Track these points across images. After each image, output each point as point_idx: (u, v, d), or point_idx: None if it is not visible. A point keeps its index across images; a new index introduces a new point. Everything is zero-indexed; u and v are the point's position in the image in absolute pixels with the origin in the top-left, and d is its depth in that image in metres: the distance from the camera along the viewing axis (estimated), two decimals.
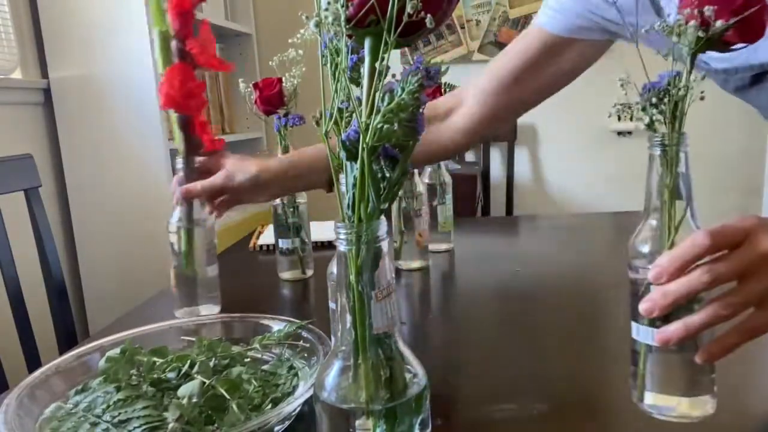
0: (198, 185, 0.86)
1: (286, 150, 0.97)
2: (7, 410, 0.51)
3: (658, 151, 0.45)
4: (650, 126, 0.45)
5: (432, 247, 1.11)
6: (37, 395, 0.55)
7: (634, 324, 0.47)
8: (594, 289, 0.90)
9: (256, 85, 0.92)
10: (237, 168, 0.86)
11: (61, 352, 0.98)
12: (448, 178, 1.09)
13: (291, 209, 0.98)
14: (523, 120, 2.17)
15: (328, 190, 0.87)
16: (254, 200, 0.90)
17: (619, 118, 0.46)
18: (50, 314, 1.12)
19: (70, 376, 0.60)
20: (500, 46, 2.21)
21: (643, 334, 0.46)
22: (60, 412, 0.54)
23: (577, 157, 2.32)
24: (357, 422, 0.37)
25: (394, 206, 0.98)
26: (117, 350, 0.59)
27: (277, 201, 0.98)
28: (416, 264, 1.00)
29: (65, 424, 0.51)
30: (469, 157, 2.32)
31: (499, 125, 0.97)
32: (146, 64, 1.59)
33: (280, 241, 1.00)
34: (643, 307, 0.44)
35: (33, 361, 1.06)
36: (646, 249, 0.46)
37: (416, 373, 0.38)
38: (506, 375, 0.63)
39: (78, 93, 1.63)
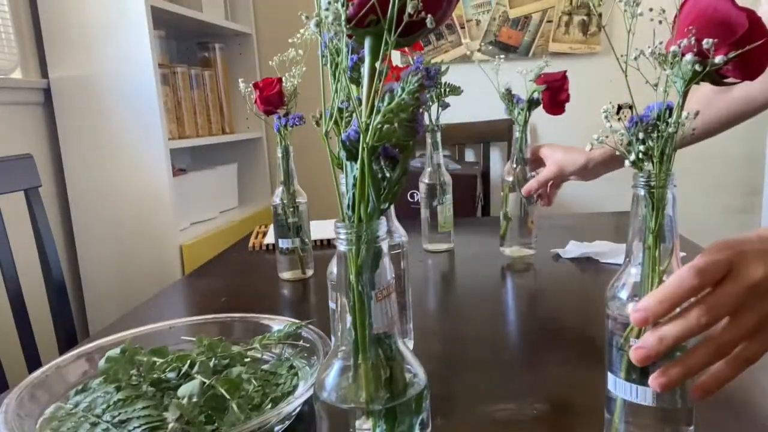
0: (534, 183, 0.99)
1: (286, 150, 0.97)
2: (7, 410, 0.51)
3: (642, 192, 0.41)
4: (636, 164, 0.41)
5: (432, 247, 1.11)
6: (37, 395, 0.55)
7: (610, 376, 0.44)
8: (594, 288, 0.90)
9: (256, 85, 0.93)
10: (567, 160, 1.01)
11: (61, 352, 0.98)
12: (447, 178, 1.09)
13: (291, 209, 0.98)
14: None
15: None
16: (581, 181, 1.07)
17: (620, 119, 0.45)
18: (50, 314, 1.12)
19: (70, 376, 0.60)
20: (500, 46, 2.21)
21: (621, 388, 0.43)
22: (60, 412, 0.54)
23: None
24: (357, 422, 0.37)
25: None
26: (117, 350, 0.59)
27: (277, 201, 0.98)
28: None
29: (65, 424, 0.51)
30: (469, 157, 2.32)
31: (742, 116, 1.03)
32: (146, 64, 1.59)
33: (280, 241, 1.00)
34: (636, 354, 0.39)
35: (33, 361, 1.06)
36: (626, 296, 0.43)
37: (416, 373, 0.38)
38: (506, 375, 0.63)
39: (78, 93, 1.63)
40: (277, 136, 0.96)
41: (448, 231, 1.12)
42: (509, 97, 1.03)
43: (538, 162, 1.06)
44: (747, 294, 0.39)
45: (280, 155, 0.97)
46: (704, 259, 0.39)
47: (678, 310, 0.39)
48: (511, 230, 1.04)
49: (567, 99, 0.95)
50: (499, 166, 2.30)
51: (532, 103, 0.98)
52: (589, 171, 1.04)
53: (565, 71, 0.96)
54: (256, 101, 0.93)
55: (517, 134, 1.01)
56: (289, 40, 0.71)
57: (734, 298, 0.39)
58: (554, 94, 0.95)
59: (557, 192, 1.10)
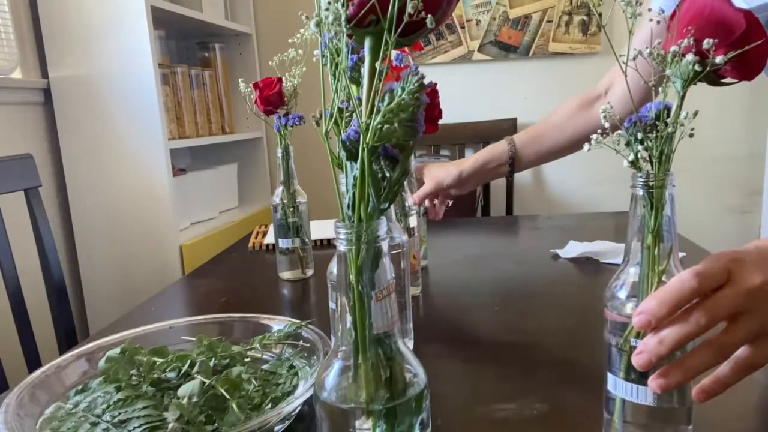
0: (415, 197, 1.00)
1: (286, 150, 0.97)
2: (7, 410, 0.51)
3: (641, 192, 0.41)
4: (634, 164, 0.41)
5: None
6: (37, 395, 0.55)
7: (610, 376, 0.44)
8: (594, 288, 0.90)
9: (256, 85, 0.92)
10: (442, 174, 1.06)
11: (61, 352, 0.99)
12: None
13: (291, 209, 0.98)
14: (523, 120, 2.17)
15: (507, 175, 1.10)
16: (460, 193, 1.12)
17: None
18: (50, 314, 1.13)
19: (70, 376, 0.60)
20: (500, 46, 2.21)
21: (620, 388, 0.43)
22: (60, 412, 0.54)
23: (577, 157, 2.32)
24: (357, 422, 0.37)
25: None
26: (117, 350, 0.59)
27: (277, 200, 0.98)
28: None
29: (65, 424, 0.51)
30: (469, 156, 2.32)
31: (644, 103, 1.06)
32: (146, 64, 1.59)
33: (280, 241, 1.00)
34: (638, 360, 0.39)
35: (33, 361, 1.06)
36: (625, 296, 0.43)
37: (416, 373, 0.38)
38: (506, 375, 0.63)
39: (78, 93, 1.63)
40: (277, 136, 0.96)
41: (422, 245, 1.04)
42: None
43: (422, 182, 1.12)
44: (746, 297, 0.39)
45: (280, 155, 0.97)
46: (704, 264, 0.39)
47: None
48: None
49: (439, 116, 0.85)
50: None
51: None
52: (463, 180, 1.09)
53: (435, 84, 0.88)
54: (256, 101, 0.93)
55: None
56: (289, 40, 0.71)
57: (733, 300, 0.39)
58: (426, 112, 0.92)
59: (444, 207, 1.16)
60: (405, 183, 0.92)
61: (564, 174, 2.27)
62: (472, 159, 1.11)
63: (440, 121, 1.09)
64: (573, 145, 1.11)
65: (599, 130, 0.42)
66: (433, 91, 0.87)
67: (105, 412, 0.51)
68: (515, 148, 1.08)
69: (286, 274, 1.01)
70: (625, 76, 0.40)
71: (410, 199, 0.84)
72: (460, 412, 0.56)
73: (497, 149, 1.09)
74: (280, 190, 0.99)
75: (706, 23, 0.38)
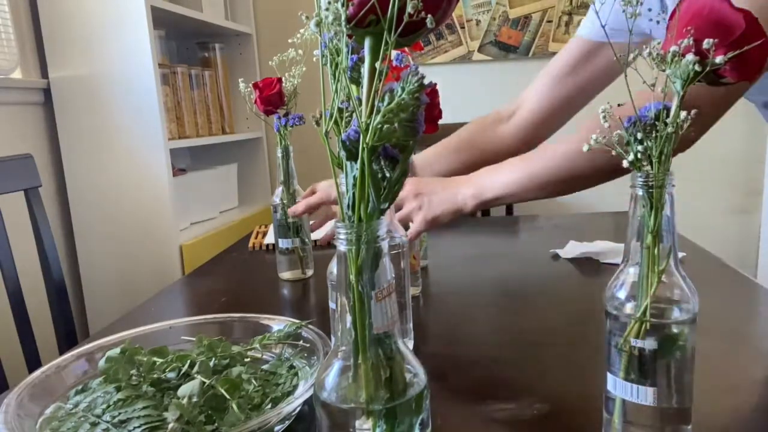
0: (300, 206, 0.97)
1: (286, 150, 0.97)
2: (7, 410, 0.51)
3: (641, 192, 0.41)
4: (634, 164, 0.41)
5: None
6: (37, 395, 0.55)
7: (610, 376, 0.44)
8: (593, 288, 0.90)
9: (255, 85, 0.92)
10: (331, 184, 1.02)
11: (61, 352, 0.99)
12: None
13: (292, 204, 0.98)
14: None
15: None
16: None
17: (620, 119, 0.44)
18: (50, 314, 1.13)
19: (70, 376, 0.60)
20: (500, 46, 2.21)
21: (620, 388, 0.43)
22: (60, 412, 0.54)
23: None
24: (357, 422, 0.37)
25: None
26: (117, 350, 0.59)
27: (277, 200, 0.98)
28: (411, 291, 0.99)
29: (65, 424, 0.51)
30: None
31: (554, 124, 1.11)
32: (146, 64, 1.59)
33: (280, 241, 1.00)
34: None
35: (33, 361, 1.06)
36: (625, 296, 0.43)
37: (416, 373, 0.38)
38: (506, 375, 0.63)
39: (78, 93, 1.63)
40: (277, 136, 0.96)
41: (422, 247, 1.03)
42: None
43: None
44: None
45: (280, 155, 0.97)
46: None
47: None
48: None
49: (439, 116, 0.85)
50: None
51: None
52: None
53: (435, 84, 0.87)
54: (256, 101, 0.93)
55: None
56: (289, 41, 0.71)
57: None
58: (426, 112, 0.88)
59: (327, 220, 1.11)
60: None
61: None
62: (469, 188, 1.00)
63: (440, 121, 1.09)
64: (476, 164, 1.06)
65: (593, 136, 0.42)
66: (433, 91, 0.86)
67: (105, 412, 0.51)
68: (413, 170, 1.07)
69: (286, 275, 1.01)
70: (625, 77, 0.40)
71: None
72: (460, 412, 0.56)
73: None
74: (280, 190, 0.99)
75: (706, 23, 0.38)
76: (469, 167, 1.09)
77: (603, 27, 0.46)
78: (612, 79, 1.03)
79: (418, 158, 1.11)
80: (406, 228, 0.84)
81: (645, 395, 0.42)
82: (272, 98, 0.92)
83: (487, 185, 0.86)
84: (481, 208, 0.88)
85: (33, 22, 1.65)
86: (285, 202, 0.98)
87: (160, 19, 1.73)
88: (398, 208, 0.85)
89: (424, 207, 0.85)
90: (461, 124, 2.30)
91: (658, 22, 0.77)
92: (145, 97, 1.60)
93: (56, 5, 1.61)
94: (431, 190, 0.87)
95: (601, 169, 0.78)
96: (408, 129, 0.34)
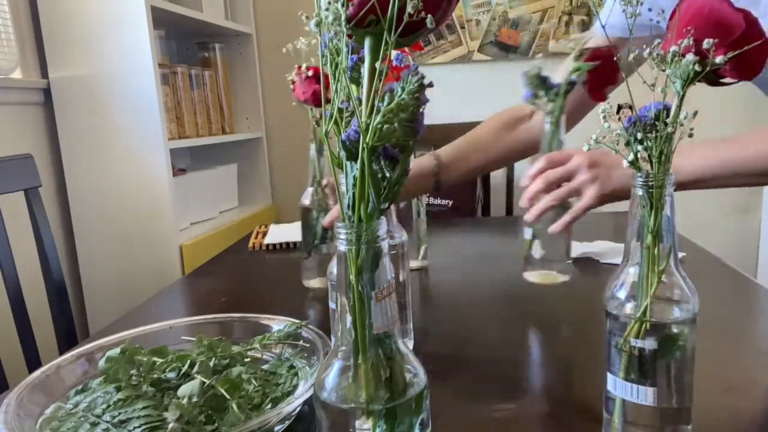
0: (328, 218, 0.89)
1: (320, 146, 0.87)
2: (7, 410, 0.51)
3: (640, 192, 0.41)
4: (634, 164, 0.41)
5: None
6: (37, 395, 0.55)
7: (610, 376, 0.44)
8: (594, 288, 0.90)
9: (300, 69, 0.80)
10: None
11: (61, 352, 0.98)
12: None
13: (323, 212, 0.90)
14: None
15: (432, 192, 1.05)
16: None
17: (620, 119, 0.44)
18: (50, 314, 1.12)
19: (70, 376, 0.60)
20: (500, 46, 2.21)
21: (620, 388, 0.43)
22: (60, 412, 0.54)
23: None
24: (357, 422, 0.37)
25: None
26: (117, 350, 0.59)
27: (307, 202, 0.90)
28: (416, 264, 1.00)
29: (65, 424, 0.51)
30: None
31: (575, 120, 1.04)
32: (146, 64, 1.59)
33: (308, 245, 0.91)
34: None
35: (33, 361, 1.06)
36: (625, 296, 0.43)
37: (416, 373, 0.38)
38: (506, 375, 0.63)
39: (78, 93, 1.63)
40: (313, 129, 0.85)
41: (423, 245, 1.03)
42: (538, 80, 0.82)
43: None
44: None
45: (312, 152, 0.87)
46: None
47: None
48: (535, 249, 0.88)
49: (615, 80, 0.78)
50: None
51: (570, 87, 0.80)
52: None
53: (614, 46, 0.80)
54: (296, 90, 0.81)
55: (547, 127, 0.82)
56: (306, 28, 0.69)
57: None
58: (602, 74, 0.78)
59: None
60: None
61: None
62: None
63: (440, 122, 1.08)
64: (498, 164, 1.13)
65: (593, 137, 0.42)
66: (608, 55, 0.78)
67: (105, 412, 0.51)
68: (440, 165, 1.02)
69: (314, 282, 0.93)
70: (626, 77, 0.40)
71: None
72: (460, 412, 0.56)
73: (423, 168, 1.01)
74: (310, 190, 0.90)
75: (706, 23, 0.38)
76: (494, 165, 1.12)
77: (603, 27, 0.46)
78: (628, 75, 1.05)
79: (446, 151, 1.06)
80: (564, 206, 0.78)
81: (645, 395, 0.42)
82: (318, 88, 0.80)
83: (677, 167, 0.75)
84: None
85: (33, 22, 1.65)
86: (319, 203, 0.89)
87: (160, 19, 1.73)
88: (563, 179, 0.78)
89: (601, 179, 0.76)
90: (461, 124, 2.30)
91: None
92: (145, 97, 1.60)
93: (56, 5, 1.61)
94: (611, 162, 0.78)
95: None
96: (408, 129, 0.34)
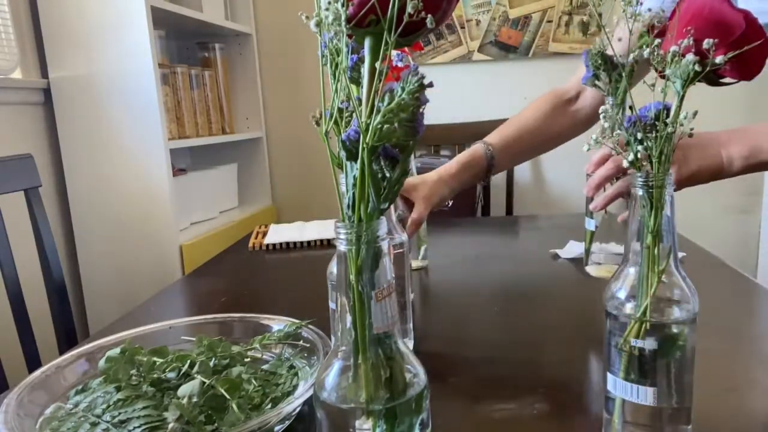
0: (412, 225, 0.89)
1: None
2: (7, 410, 0.51)
3: (641, 192, 0.41)
4: (634, 164, 0.41)
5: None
6: (37, 395, 0.55)
7: (610, 376, 0.44)
8: (593, 288, 0.90)
9: None
10: (432, 192, 0.95)
11: (61, 352, 0.98)
12: None
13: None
14: None
15: (482, 180, 1.05)
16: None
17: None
18: (50, 314, 1.12)
19: (70, 376, 0.60)
20: (500, 46, 2.21)
21: (620, 388, 0.43)
22: (60, 412, 0.54)
23: (578, 157, 2.32)
24: (357, 422, 0.37)
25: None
26: (117, 350, 0.59)
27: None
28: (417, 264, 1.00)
29: (65, 424, 0.51)
30: None
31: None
32: (146, 64, 1.59)
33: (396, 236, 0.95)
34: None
35: (33, 361, 1.06)
36: (625, 296, 0.43)
37: (416, 373, 0.38)
38: (506, 374, 0.63)
39: (78, 93, 1.63)
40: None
41: (423, 246, 1.03)
42: (602, 59, 0.81)
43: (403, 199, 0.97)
44: None
45: None
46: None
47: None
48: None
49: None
50: None
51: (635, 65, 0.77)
52: (448, 197, 0.99)
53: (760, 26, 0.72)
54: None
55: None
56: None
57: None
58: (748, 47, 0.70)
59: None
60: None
61: (564, 174, 2.27)
62: (454, 171, 1.00)
63: (440, 122, 1.08)
64: (548, 146, 1.11)
65: (594, 135, 0.42)
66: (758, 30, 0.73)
67: (105, 412, 0.51)
68: (494, 153, 1.03)
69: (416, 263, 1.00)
70: (627, 77, 0.40)
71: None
72: (460, 412, 0.55)
73: (476, 158, 1.02)
74: None
75: (706, 23, 0.38)
76: (544, 148, 1.11)
77: (605, 32, 0.46)
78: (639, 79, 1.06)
79: (496, 138, 1.06)
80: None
81: (645, 395, 0.42)
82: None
83: (764, 145, 0.72)
84: (748, 172, 0.75)
85: (33, 22, 1.65)
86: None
87: (160, 19, 1.73)
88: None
89: (677, 162, 0.72)
90: (461, 125, 2.30)
91: None
92: (145, 97, 1.60)
93: (56, 5, 1.61)
94: (687, 143, 0.69)
95: None
96: (408, 129, 0.34)
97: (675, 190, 0.65)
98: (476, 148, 1.03)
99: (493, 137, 1.07)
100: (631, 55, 0.41)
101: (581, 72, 1.08)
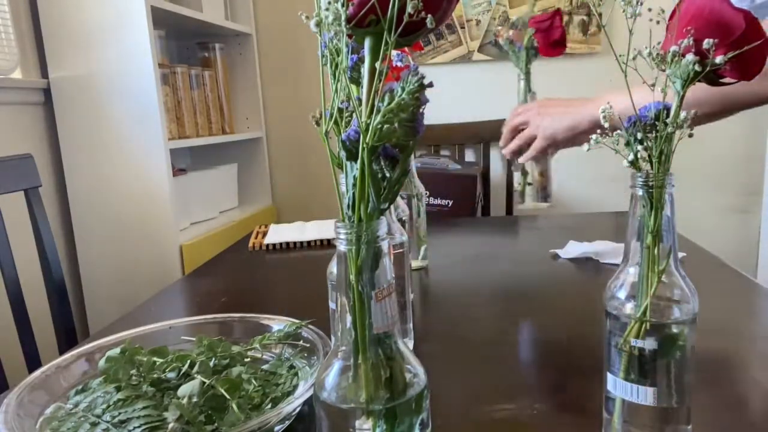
0: (529, 153, 1.05)
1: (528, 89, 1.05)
2: (7, 410, 0.51)
3: (640, 192, 0.41)
4: (634, 164, 0.41)
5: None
6: (37, 395, 0.55)
7: (610, 376, 0.44)
8: (593, 288, 0.90)
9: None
10: (555, 126, 1.02)
11: (61, 352, 0.99)
12: (422, 189, 1.01)
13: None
14: None
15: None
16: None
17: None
18: (50, 314, 1.12)
19: (70, 376, 0.60)
20: (500, 46, 2.21)
21: (620, 388, 0.43)
22: (60, 412, 0.54)
23: (577, 156, 2.32)
24: (357, 422, 0.37)
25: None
26: (117, 350, 0.59)
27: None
28: (417, 264, 1.00)
29: (65, 424, 0.51)
30: (469, 157, 2.32)
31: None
32: (146, 64, 1.59)
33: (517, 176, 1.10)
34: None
35: (33, 361, 1.06)
36: (625, 296, 0.43)
37: (416, 373, 0.38)
38: (506, 375, 0.63)
39: (78, 93, 1.63)
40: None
41: (423, 245, 1.03)
42: (510, 44, 1.09)
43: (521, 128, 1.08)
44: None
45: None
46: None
47: None
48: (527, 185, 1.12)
49: (562, 37, 0.98)
50: (499, 166, 2.30)
51: (530, 50, 1.03)
52: (578, 135, 1.03)
53: (558, 8, 1.01)
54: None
55: (521, 84, 1.08)
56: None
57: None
58: (547, 35, 0.99)
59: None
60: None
61: (564, 174, 2.27)
62: (590, 108, 1.00)
63: (440, 122, 1.12)
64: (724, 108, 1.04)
65: (593, 137, 0.42)
66: (552, 15, 1.00)
67: (105, 412, 0.51)
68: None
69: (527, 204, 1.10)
70: (626, 76, 0.40)
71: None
72: (460, 412, 0.56)
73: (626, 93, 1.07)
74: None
75: (706, 23, 0.38)
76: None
77: (605, 32, 0.46)
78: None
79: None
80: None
81: (645, 395, 0.42)
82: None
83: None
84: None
85: (33, 22, 1.65)
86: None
87: (160, 19, 1.73)
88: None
89: (542, 127, 0.94)
90: (461, 124, 2.30)
91: None
92: (145, 97, 1.60)
93: (56, 5, 1.61)
94: (546, 111, 0.97)
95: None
96: (408, 129, 0.34)
97: (541, 147, 0.88)
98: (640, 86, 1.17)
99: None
100: (631, 55, 0.41)
101: None
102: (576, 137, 1.03)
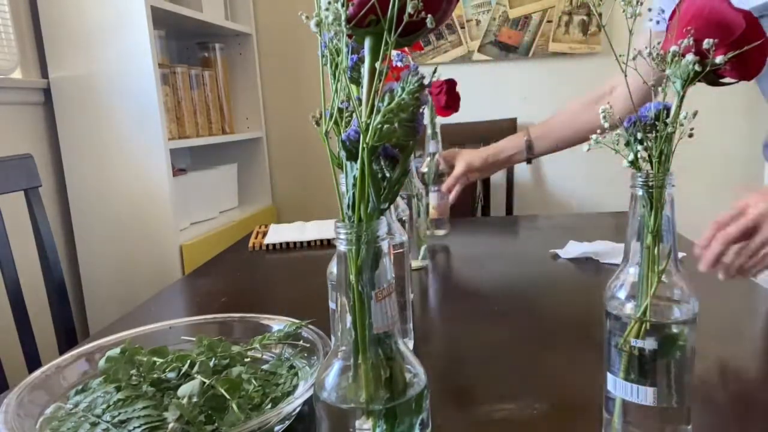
0: (451, 180, 1.23)
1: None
2: (7, 410, 0.51)
3: (640, 192, 0.41)
4: (634, 164, 0.41)
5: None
6: (37, 395, 0.55)
7: (610, 376, 0.44)
8: (593, 288, 0.90)
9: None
10: (471, 156, 1.26)
11: (61, 352, 0.98)
12: (422, 188, 1.03)
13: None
14: (522, 120, 2.17)
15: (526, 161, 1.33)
16: (483, 176, 1.39)
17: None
18: (50, 314, 1.12)
19: (70, 376, 0.60)
20: (500, 46, 2.21)
21: (620, 388, 0.43)
22: (60, 412, 0.54)
23: (577, 157, 2.32)
24: (357, 422, 0.37)
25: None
26: (117, 350, 0.59)
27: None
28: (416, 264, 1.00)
29: (65, 424, 0.51)
30: None
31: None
32: (146, 64, 1.59)
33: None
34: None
35: (33, 361, 1.06)
36: (625, 296, 0.43)
37: (416, 373, 0.38)
38: (506, 375, 0.63)
39: (78, 93, 1.63)
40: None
41: (423, 246, 1.03)
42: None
43: (451, 165, 1.26)
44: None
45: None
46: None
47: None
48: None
49: (451, 104, 1.10)
50: None
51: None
52: (488, 165, 1.30)
53: (451, 79, 1.13)
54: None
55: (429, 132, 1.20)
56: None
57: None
58: (438, 99, 1.12)
59: (460, 188, 1.27)
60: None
61: (564, 174, 2.27)
62: (492, 147, 1.30)
63: (440, 121, 1.13)
64: (579, 139, 1.27)
65: (598, 129, 0.42)
66: (441, 84, 1.11)
67: (105, 412, 0.51)
68: (530, 139, 1.27)
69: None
70: (625, 76, 0.40)
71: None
72: (460, 412, 0.56)
73: (514, 140, 1.29)
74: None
75: (706, 23, 0.38)
76: (579, 137, 1.27)
77: (605, 32, 0.46)
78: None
79: (536, 127, 1.31)
80: None
81: (645, 395, 0.42)
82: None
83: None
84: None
85: (33, 22, 1.65)
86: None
87: (160, 19, 1.73)
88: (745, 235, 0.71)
89: None
90: (461, 125, 2.30)
91: None
92: (145, 97, 1.60)
93: (56, 5, 1.61)
94: None
95: None
96: (408, 129, 0.34)
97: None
98: (516, 135, 1.29)
99: (535, 127, 1.32)
100: (631, 55, 0.41)
101: (618, 75, 1.16)
102: (486, 167, 1.29)
